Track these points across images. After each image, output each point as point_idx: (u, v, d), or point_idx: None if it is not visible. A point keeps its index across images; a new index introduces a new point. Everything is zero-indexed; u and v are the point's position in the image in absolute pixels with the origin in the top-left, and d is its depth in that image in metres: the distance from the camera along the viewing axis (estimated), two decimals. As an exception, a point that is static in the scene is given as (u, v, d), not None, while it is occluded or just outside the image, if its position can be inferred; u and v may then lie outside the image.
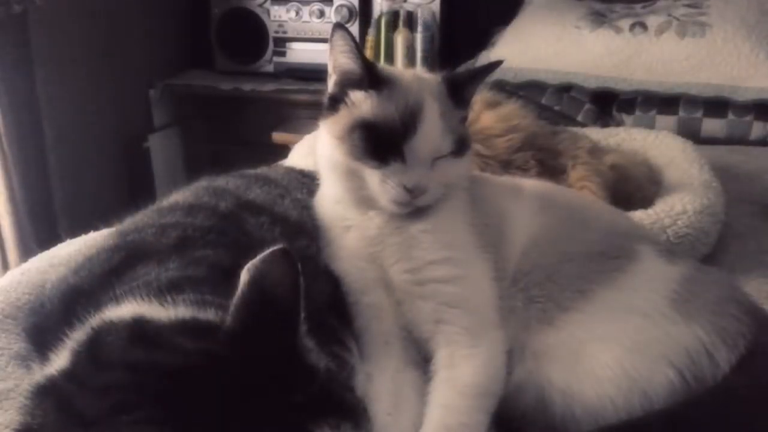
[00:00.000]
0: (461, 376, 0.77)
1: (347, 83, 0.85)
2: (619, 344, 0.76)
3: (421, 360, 0.82)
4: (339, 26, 0.83)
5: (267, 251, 0.59)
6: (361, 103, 0.83)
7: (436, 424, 0.74)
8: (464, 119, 0.90)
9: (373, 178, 0.82)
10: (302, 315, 0.60)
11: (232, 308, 0.59)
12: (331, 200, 0.90)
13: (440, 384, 0.77)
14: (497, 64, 0.93)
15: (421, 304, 0.82)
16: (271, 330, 0.59)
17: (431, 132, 0.81)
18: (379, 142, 0.81)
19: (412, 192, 0.81)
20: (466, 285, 0.81)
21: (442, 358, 0.79)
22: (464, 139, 0.86)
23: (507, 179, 1.03)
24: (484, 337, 0.79)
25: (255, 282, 0.58)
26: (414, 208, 0.83)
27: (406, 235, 0.83)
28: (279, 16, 2.77)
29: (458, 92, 0.86)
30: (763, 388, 0.75)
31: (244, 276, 0.59)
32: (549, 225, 0.86)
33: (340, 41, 0.83)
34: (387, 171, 0.81)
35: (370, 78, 0.83)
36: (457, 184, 0.86)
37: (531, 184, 0.97)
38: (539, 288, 0.81)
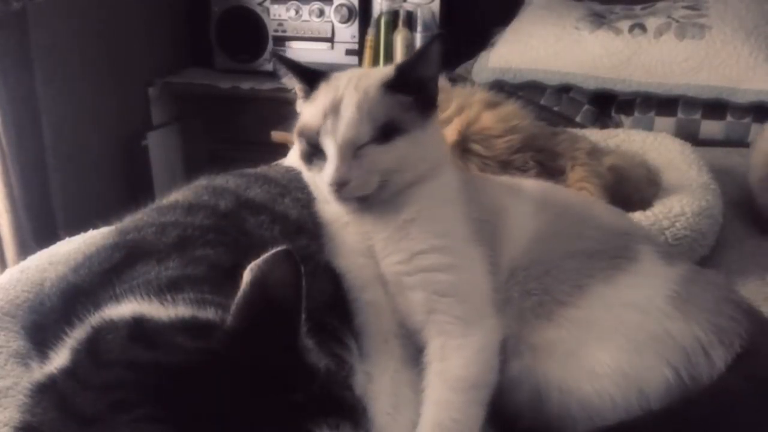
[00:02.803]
0: (452, 368, 0.77)
1: (301, 97, 0.91)
2: (617, 342, 0.76)
3: (421, 359, 0.82)
4: (276, 56, 0.92)
5: (270, 252, 0.59)
6: (303, 110, 0.89)
7: (430, 422, 0.75)
8: (416, 103, 0.85)
9: (311, 179, 0.87)
10: (303, 316, 0.60)
11: (233, 308, 0.59)
12: (323, 199, 0.91)
13: (432, 378, 0.77)
14: (439, 36, 0.85)
15: (412, 294, 0.81)
16: (271, 330, 0.59)
17: (343, 122, 0.81)
18: (309, 144, 0.85)
19: (335, 186, 0.81)
20: (457, 273, 0.81)
21: (433, 349, 0.79)
22: (395, 124, 0.82)
23: (507, 178, 1.03)
24: (477, 326, 0.79)
25: (257, 282, 0.58)
26: (362, 200, 0.83)
27: (394, 227, 0.83)
28: (279, 14, 2.76)
29: (405, 76, 0.85)
30: (758, 387, 0.75)
31: (247, 276, 0.59)
32: (549, 223, 0.86)
33: (281, 67, 0.90)
34: (313, 170, 0.85)
35: (309, 86, 0.88)
36: (407, 171, 0.83)
37: (531, 183, 0.97)
38: (536, 281, 0.81)
